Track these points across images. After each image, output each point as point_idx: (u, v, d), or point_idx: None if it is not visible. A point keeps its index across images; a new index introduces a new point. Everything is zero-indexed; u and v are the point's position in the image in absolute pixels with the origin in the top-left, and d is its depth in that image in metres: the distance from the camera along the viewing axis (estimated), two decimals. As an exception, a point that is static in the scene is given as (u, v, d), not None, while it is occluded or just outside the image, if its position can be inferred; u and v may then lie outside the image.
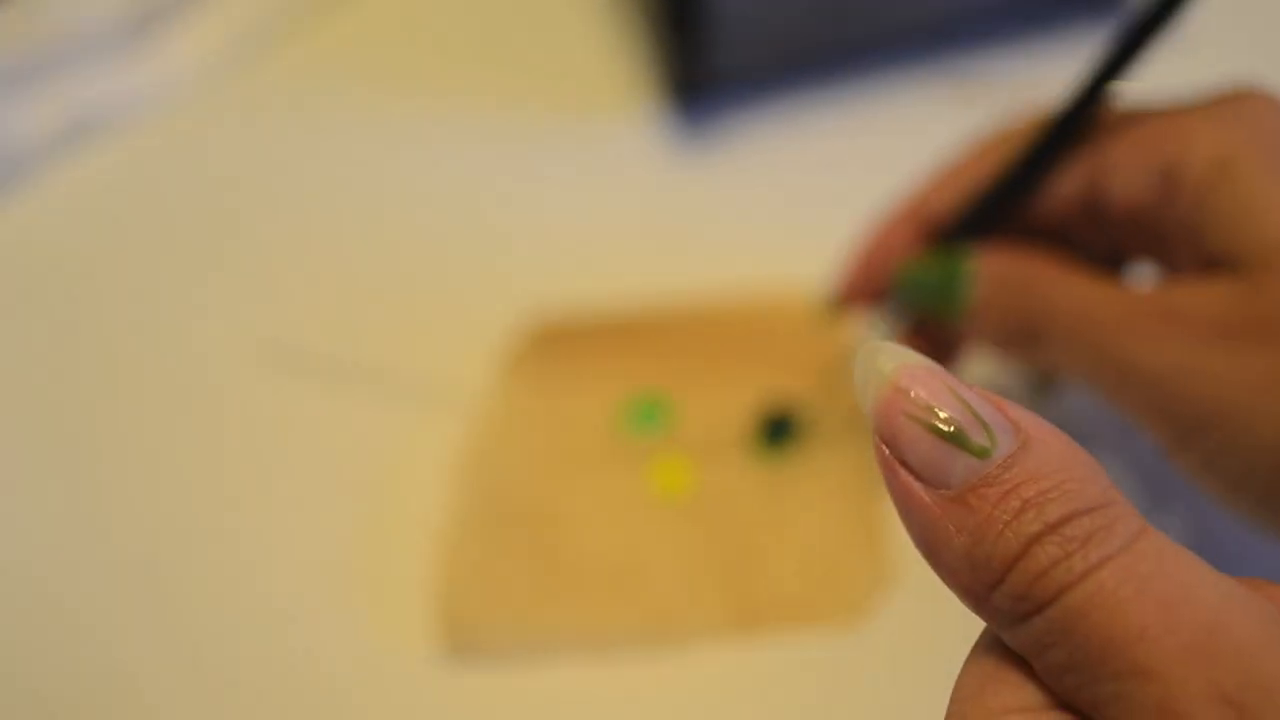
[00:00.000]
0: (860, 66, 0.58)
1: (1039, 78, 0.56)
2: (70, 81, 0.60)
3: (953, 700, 0.21)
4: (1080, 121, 0.36)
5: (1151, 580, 0.19)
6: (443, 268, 0.54)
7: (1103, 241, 0.38)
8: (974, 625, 0.42)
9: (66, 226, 0.57)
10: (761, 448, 0.45)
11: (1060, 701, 0.20)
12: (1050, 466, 0.20)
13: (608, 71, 0.60)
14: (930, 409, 0.21)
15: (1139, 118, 0.36)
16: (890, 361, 0.21)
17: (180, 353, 0.52)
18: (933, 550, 0.21)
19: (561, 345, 0.49)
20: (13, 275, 0.56)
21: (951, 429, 0.20)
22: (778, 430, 0.45)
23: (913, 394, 0.21)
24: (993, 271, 0.37)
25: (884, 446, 0.21)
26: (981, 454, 0.20)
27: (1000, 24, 0.58)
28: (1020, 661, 0.21)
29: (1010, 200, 0.37)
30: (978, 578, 0.20)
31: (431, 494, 0.46)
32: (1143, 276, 0.41)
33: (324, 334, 0.51)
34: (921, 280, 0.39)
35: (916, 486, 0.21)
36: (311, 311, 0.53)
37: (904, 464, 0.21)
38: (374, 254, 0.55)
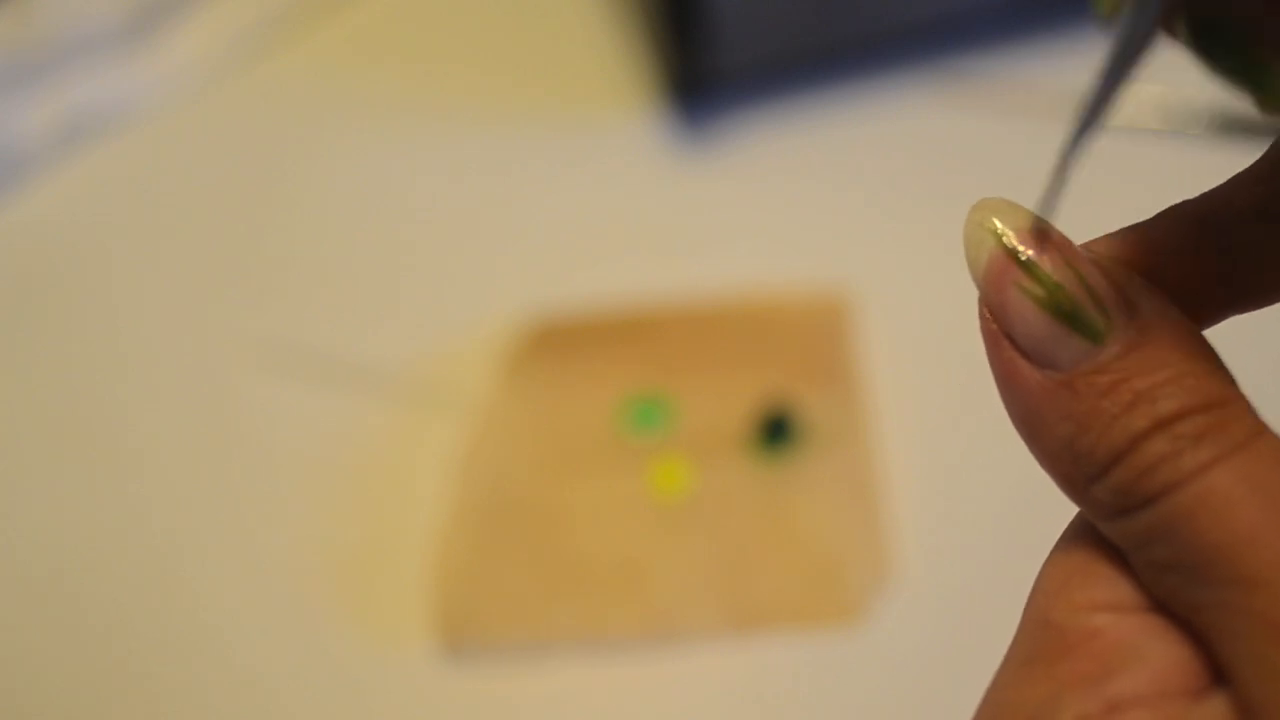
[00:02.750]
0: (860, 66, 0.58)
1: (1039, 78, 0.56)
2: (70, 81, 0.60)
3: (1035, 593, 0.19)
4: None
5: (1266, 484, 0.17)
6: (443, 267, 0.54)
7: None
8: (975, 628, 0.42)
9: (66, 226, 0.57)
10: (760, 448, 0.45)
11: (1156, 601, 0.18)
12: (1167, 357, 0.18)
13: (608, 71, 0.60)
14: (1045, 281, 0.19)
15: None
16: (1005, 222, 0.19)
17: (180, 352, 0.52)
18: (1032, 434, 0.19)
19: (561, 345, 0.49)
20: (13, 275, 0.56)
21: (1066, 306, 0.19)
22: (776, 430, 0.45)
23: (1027, 261, 0.19)
24: None
25: (990, 316, 0.19)
26: (1096, 336, 0.18)
27: (1000, 24, 0.58)
28: (1115, 554, 0.19)
29: None
30: (1079, 468, 0.18)
31: (430, 493, 0.46)
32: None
33: (324, 334, 0.51)
34: None
35: (1022, 364, 0.19)
36: (311, 311, 0.53)
37: (1010, 338, 0.19)
38: (374, 254, 0.55)
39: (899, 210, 0.53)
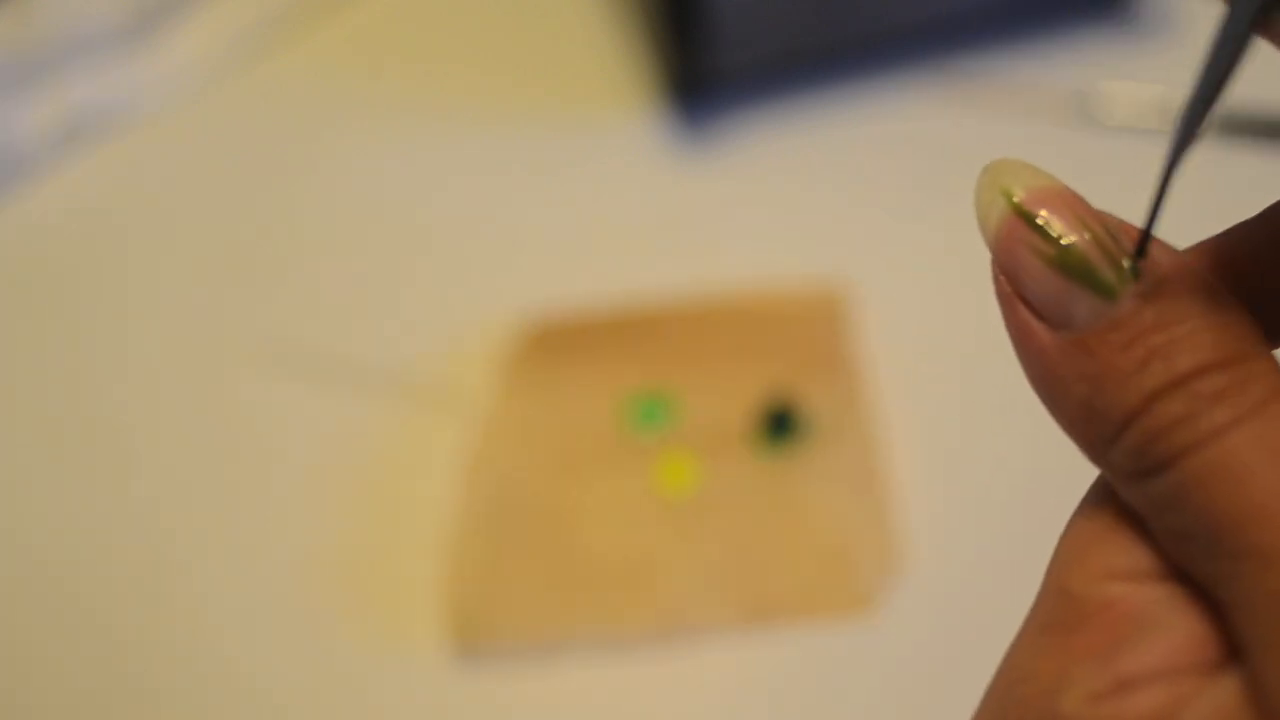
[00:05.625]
0: (860, 66, 0.58)
1: (1039, 78, 0.56)
2: (70, 81, 0.60)
3: (1054, 561, 0.19)
4: None
5: None
6: (443, 267, 0.54)
7: None
8: (985, 614, 0.42)
9: (66, 226, 0.57)
10: (765, 442, 0.45)
11: (1175, 570, 0.18)
12: (1184, 312, 0.18)
13: (608, 71, 0.60)
14: (1057, 239, 0.18)
15: None
16: (1016, 182, 0.19)
17: (181, 353, 0.52)
18: (1050, 397, 0.19)
19: (563, 344, 0.49)
20: (13, 275, 0.56)
21: (1078, 262, 0.18)
22: (780, 425, 0.45)
23: (1039, 221, 0.19)
24: None
25: (1003, 278, 0.19)
26: (1108, 292, 0.18)
27: (1000, 24, 0.58)
28: (1135, 521, 0.18)
29: None
30: (1096, 430, 0.18)
31: (437, 495, 0.46)
32: None
33: (325, 334, 0.51)
34: None
35: (1036, 325, 0.18)
36: (312, 311, 0.53)
37: (1024, 299, 0.19)
38: (374, 254, 0.55)
39: (899, 209, 0.53)
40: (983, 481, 0.45)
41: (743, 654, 0.42)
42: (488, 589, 0.43)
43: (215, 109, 0.61)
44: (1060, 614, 0.18)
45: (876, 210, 0.53)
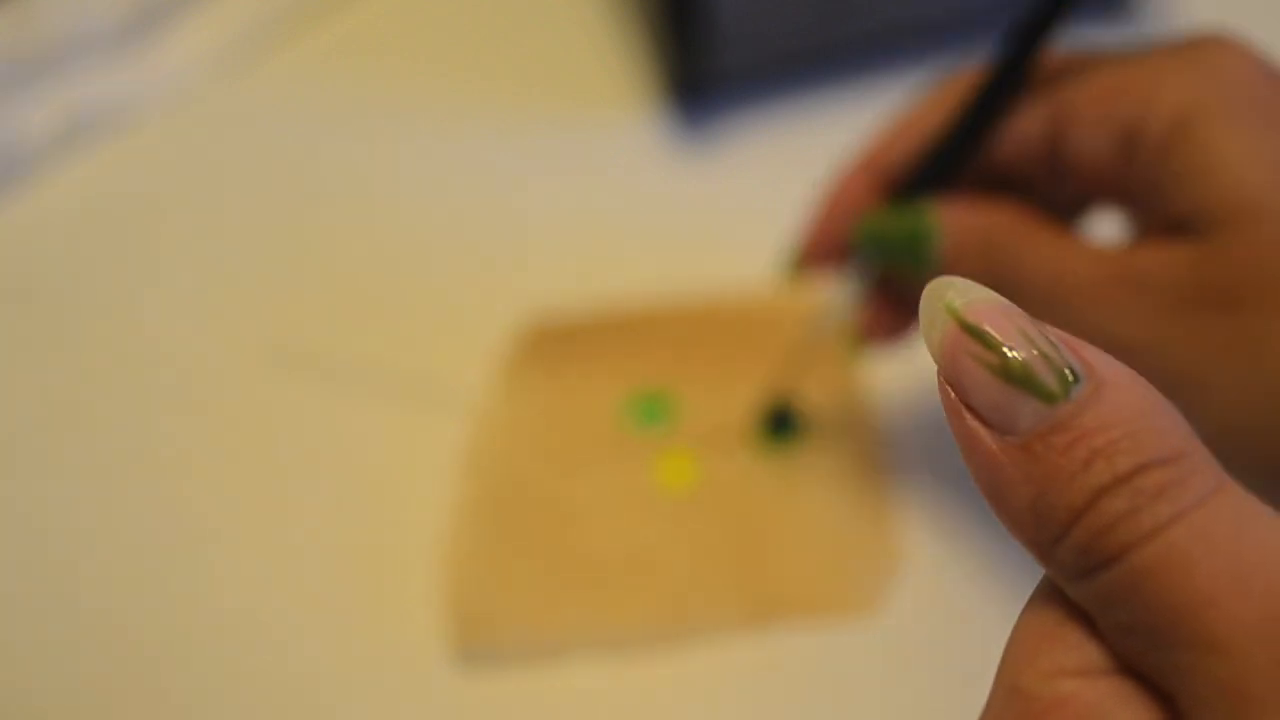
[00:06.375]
0: (860, 66, 0.58)
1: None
2: (70, 81, 0.60)
3: (1005, 659, 0.20)
4: (1028, 66, 0.35)
5: (1227, 541, 0.17)
6: (443, 267, 0.54)
7: (1066, 193, 0.36)
8: (986, 613, 0.42)
9: (66, 226, 0.57)
10: (765, 441, 0.45)
11: (1124, 664, 0.19)
12: (1124, 414, 0.18)
13: (608, 71, 0.60)
14: (998, 350, 0.19)
15: (1101, 67, 0.34)
16: (959, 298, 0.20)
17: (181, 353, 0.52)
18: (997, 499, 0.20)
19: (563, 344, 0.49)
20: (13, 275, 0.56)
21: (1020, 371, 0.19)
22: (781, 423, 0.45)
23: (983, 332, 0.19)
24: (957, 227, 0.35)
25: (949, 388, 0.20)
26: (1050, 398, 0.19)
27: (1000, 24, 0.58)
28: (1082, 617, 0.19)
29: (967, 149, 0.36)
30: (1042, 530, 0.19)
31: (437, 495, 0.46)
32: (1107, 229, 0.41)
33: (325, 334, 0.51)
34: (883, 236, 0.37)
35: (982, 432, 0.19)
36: (312, 312, 0.53)
37: (969, 408, 0.19)
38: (375, 254, 0.55)
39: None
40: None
41: (743, 654, 0.42)
42: (488, 588, 0.43)
43: (216, 108, 0.61)
44: (1014, 712, 0.19)
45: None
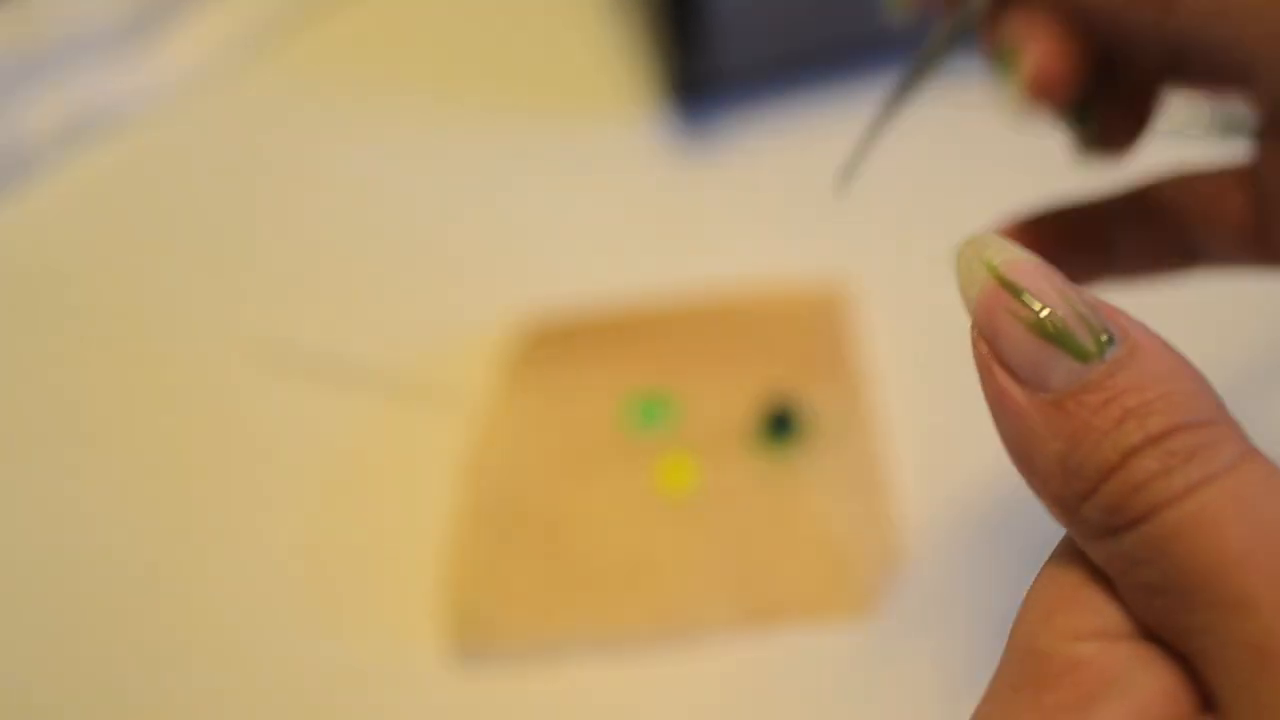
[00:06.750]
0: (859, 66, 0.58)
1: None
2: (70, 81, 0.60)
3: (1020, 620, 0.19)
4: None
5: (1256, 504, 0.17)
6: (443, 268, 0.54)
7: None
8: (986, 614, 0.42)
9: (67, 226, 0.57)
10: (765, 443, 0.45)
11: (1143, 628, 0.19)
12: (1156, 376, 0.19)
13: (608, 71, 0.60)
14: (1035, 305, 0.19)
15: None
16: (997, 255, 0.20)
17: (180, 352, 0.52)
18: (1024, 456, 0.20)
19: (563, 344, 0.49)
20: (13, 275, 0.56)
21: (1056, 329, 0.19)
22: (781, 425, 0.45)
23: (1021, 289, 0.20)
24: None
25: (983, 343, 0.20)
26: (1085, 357, 0.19)
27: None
28: (1102, 579, 0.19)
29: None
30: (1070, 487, 0.19)
31: (436, 496, 0.46)
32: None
33: (325, 335, 0.51)
34: None
35: (1013, 388, 0.19)
36: (312, 311, 0.53)
37: (1002, 363, 0.20)
38: (374, 254, 0.55)
39: (899, 207, 0.53)
40: (982, 482, 0.45)
41: (743, 654, 0.42)
42: (488, 589, 0.43)
43: (216, 108, 0.61)
44: (1031, 673, 0.19)
45: (875, 208, 0.53)
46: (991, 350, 0.20)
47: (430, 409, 0.48)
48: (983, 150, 0.53)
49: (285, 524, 0.46)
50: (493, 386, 0.48)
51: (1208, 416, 0.18)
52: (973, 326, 0.20)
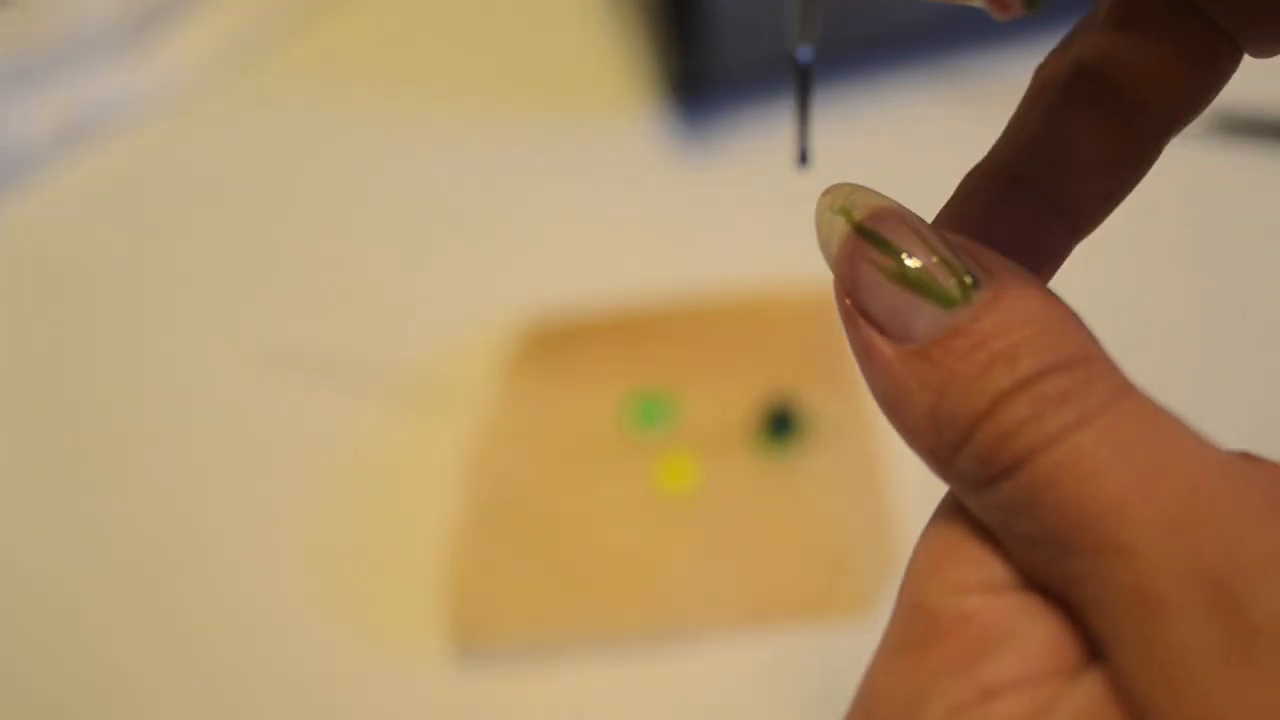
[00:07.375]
0: (860, 66, 0.58)
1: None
2: (70, 81, 0.60)
3: (907, 576, 0.19)
4: None
5: (1131, 445, 0.17)
6: (444, 268, 0.54)
7: None
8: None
9: (66, 226, 0.57)
10: (765, 442, 0.45)
11: (1028, 578, 0.18)
12: (1025, 317, 0.18)
13: (608, 71, 0.60)
14: (895, 254, 0.19)
15: None
16: (857, 203, 0.19)
17: (181, 353, 0.52)
18: (895, 409, 0.19)
19: (563, 344, 0.49)
20: (13, 275, 0.56)
21: (917, 276, 0.18)
22: (781, 425, 0.45)
23: (876, 236, 0.19)
24: None
25: (845, 296, 0.19)
26: (949, 303, 0.18)
27: (999, 24, 0.58)
28: (985, 533, 0.18)
29: None
30: (941, 438, 0.18)
31: (437, 495, 0.46)
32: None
33: (325, 335, 0.51)
34: None
35: (878, 339, 0.19)
36: (313, 311, 0.53)
37: (866, 315, 0.19)
38: (375, 254, 0.55)
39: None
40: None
41: (743, 654, 0.42)
42: (488, 589, 0.43)
43: (215, 109, 0.61)
44: (917, 630, 0.18)
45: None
46: (854, 302, 0.19)
47: (431, 409, 0.48)
48: (982, 150, 0.53)
49: (285, 523, 0.46)
50: (493, 386, 0.48)
51: (1080, 354, 0.17)
52: (834, 279, 0.19)
